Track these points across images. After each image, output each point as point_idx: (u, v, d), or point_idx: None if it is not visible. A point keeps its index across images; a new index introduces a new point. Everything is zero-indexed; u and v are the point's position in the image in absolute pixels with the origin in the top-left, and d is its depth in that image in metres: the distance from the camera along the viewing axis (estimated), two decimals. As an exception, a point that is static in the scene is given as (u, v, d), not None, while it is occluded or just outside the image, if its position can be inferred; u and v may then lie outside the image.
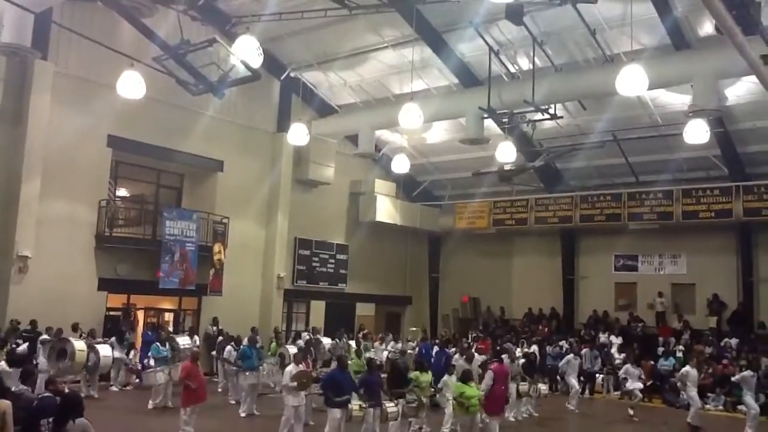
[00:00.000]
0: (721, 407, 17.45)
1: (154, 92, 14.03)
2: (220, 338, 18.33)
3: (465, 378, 11.68)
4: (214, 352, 18.22)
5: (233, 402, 15.12)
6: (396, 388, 11.84)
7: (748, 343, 19.79)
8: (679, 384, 14.90)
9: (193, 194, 21.28)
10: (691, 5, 15.14)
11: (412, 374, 12.71)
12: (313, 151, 22.52)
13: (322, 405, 11.54)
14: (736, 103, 18.20)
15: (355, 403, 10.89)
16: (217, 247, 20.34)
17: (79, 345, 13.98)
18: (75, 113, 17.24)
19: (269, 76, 21.10)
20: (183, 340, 16.13)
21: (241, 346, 15.40)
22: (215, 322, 19.78)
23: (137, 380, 16.77)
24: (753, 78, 15.17)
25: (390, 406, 11.28)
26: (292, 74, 21.94)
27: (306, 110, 22.43)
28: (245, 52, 11.37)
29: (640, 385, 16.62)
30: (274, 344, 17.68)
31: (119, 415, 13.31)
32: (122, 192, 20.49)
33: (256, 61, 11.59)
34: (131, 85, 12.65)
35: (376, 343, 20.52)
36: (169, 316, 20.96)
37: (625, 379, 16.86)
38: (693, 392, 14.81)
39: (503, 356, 15.59)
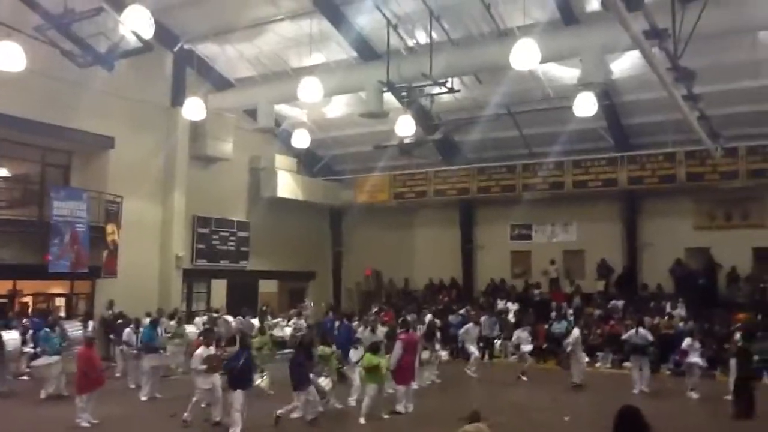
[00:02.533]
0: (609, 365, 18.60)
1: (36, 65, 13.10)
2: (119, 321, 17.67)
3: (374, 348, 11.87)
4: (112, 336, 17.54)
5: (133, 386, 14.68)
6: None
7: (632, 303, 21.09)
8: (569, 348, 15.74)
9: (82, 173, 20.22)
10: (578, -18, 15.72)
11: (318, 349, 12.77)
12: (210, 126, 21.88)
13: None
14: (621, 76, 19.14)
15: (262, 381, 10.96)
16: (110, 228, 19.50)
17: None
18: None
19: (162, 48, 20.24)
20: (72, 326, 15.46)
21: (142, 328, 14.92)
22: (111, 305, 19.05)
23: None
24: (636, 52, 16.01)
25: (323, 381, 11.45)
26: (185, 46, 21.17)
27: (202, 84, 21.72)
28: (135, 22, 10.83)
29: (530, 348, 17.40)
30: (175, 325, 17.26)
31: (8, 407, 12.65)
32: (3, 172, 19.21)
33: (148, 31, 11.08)
34: (9, 56, 11.77)
35: (278, 319, 20.44)
36: (60, 301, 19.99)
37: (518, 344, 17.61)
38: (580, 353, 15.73)
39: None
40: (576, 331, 15.96)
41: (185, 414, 11.25)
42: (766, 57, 17.45)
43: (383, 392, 11.87)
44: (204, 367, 11.25)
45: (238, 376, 10.68)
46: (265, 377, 12.66)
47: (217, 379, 11.34)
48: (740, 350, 13.33)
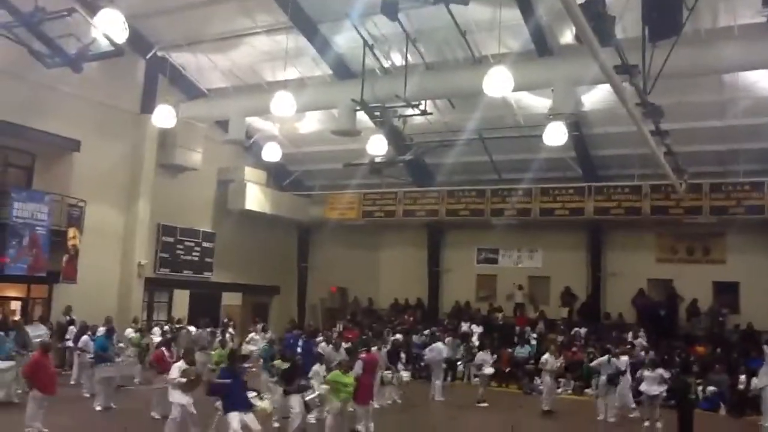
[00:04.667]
0: (570, 391, 18.69)
1: (2, 63, 12.88)
2: (71, 327, 17.26)
3: (342, 367, 11.79)
4: (69, 343, 17.09)
5: (87, 395, 14.32)
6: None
7: (595, 332, 21.31)
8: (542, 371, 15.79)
9: (45, 175, 19.79)
10: (554, 14, 15.96)
11: (275, 362, 12.66)
12: (179, 134, 21.68)
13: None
14: (591, 108, 19.46)
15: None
16: (71, 232, 19.12)
17: None
18: None
19: (134, 54, 20.06)
20: (36, 330, 15.06)
21: (97, 337, 14.60)
22: (68, 310, 18.59)
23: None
24: (607, 86, 16.29)
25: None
26: (159, 53, 20.97)
27: (173, 92, 21.49)
28: (108, 25, 10.71)
29: (492, 371, 17.37)
30: (137, 335, 16.94)
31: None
32: (-38, 170, 18.77)
33: (121, 36, 10.97)
34: (-25, 53, 11.59)
35: (252, 334, 20.20)
36: (16, 305, 19.47)
37: (481, 365, 17.61)
38: (548, 378, 15.76)
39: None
40: (551, 358, 15.94)
41: None
42: (731, 98, 17.92)
43: (346, 411, 11.74)
44: (183, 380, 10.56)
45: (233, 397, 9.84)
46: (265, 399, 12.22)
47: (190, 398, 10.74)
48: (678, 382, 13.54)
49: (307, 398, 11.35)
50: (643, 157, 17.51)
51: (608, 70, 9.01)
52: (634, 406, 15.25)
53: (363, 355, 12.68)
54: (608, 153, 21.50)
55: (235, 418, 9.55)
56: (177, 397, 10.69)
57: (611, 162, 21.90)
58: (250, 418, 9.74)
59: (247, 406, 9.92)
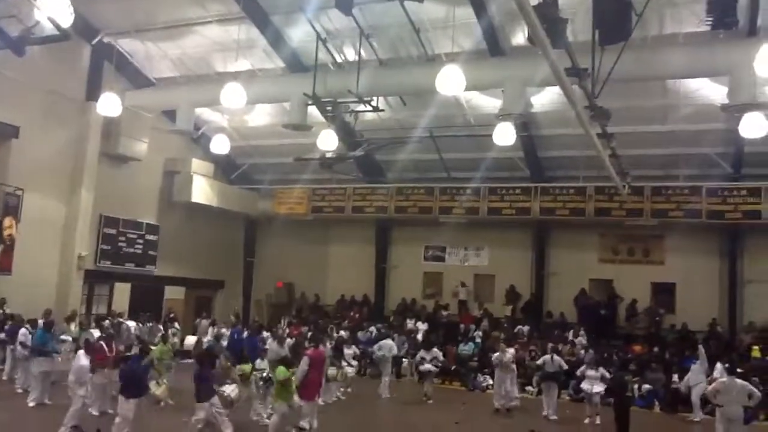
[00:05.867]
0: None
1: (-62, 43, 12.30)
2: (9, 322, 16.62)
3: (287, 363, 11.66)
4: (2, 336, 16.46)
5: (20, 390, 13.86)
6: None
7: (537, 330, 21.70)
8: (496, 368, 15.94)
9: (-19, 162, 19.08)
10: (507, 15, 16.17)
11: (238, 367, 12.47)
12: (125, 124, 21.10)
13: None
14: (540, 110, 19.77)
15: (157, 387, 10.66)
16: (8, 221, 18.45)
17: None
18: None
19: (79, 39, 19.44)
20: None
21: (36, 330, 14.10)
22: (2, 303, 17.91)
23: None
24: (556, 89, 16.57)
25: (229, 389, 11.09)
26: (105, 40, 20.36)
27: (119, 80, 20.82)
28: (53, 8, 10.34)
29: (429, 367, 17.43)
30: (76, 328, 16.45)
31: None
32: None
33: (66, 20, 10.59)
34: None
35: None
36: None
37: (422, 361, 17.68)
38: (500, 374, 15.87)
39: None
40: (498, 354, 16.03)
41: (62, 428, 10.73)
42: (675, 103, 18.47)
43: (293, 408, 11.64)
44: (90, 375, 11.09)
45: (131, 383, 10.29)
46: (163, 386, 12.17)
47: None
48: (616, 380, 13.95)
49: (222, 392, 11.26)
50: (589, 159, 17.88)
51: (559, 72, 9.14)
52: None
53: (309, 351, 12.59)
54: (555, 154, 21.90)
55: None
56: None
57: (558, 163, 22.33)
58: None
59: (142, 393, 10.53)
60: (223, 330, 19.35)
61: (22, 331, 14.74)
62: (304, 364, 11.91)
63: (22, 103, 18.71)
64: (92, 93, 20.34)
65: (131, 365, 10.70)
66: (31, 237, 19.03)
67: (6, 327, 16.17)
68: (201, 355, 11.60)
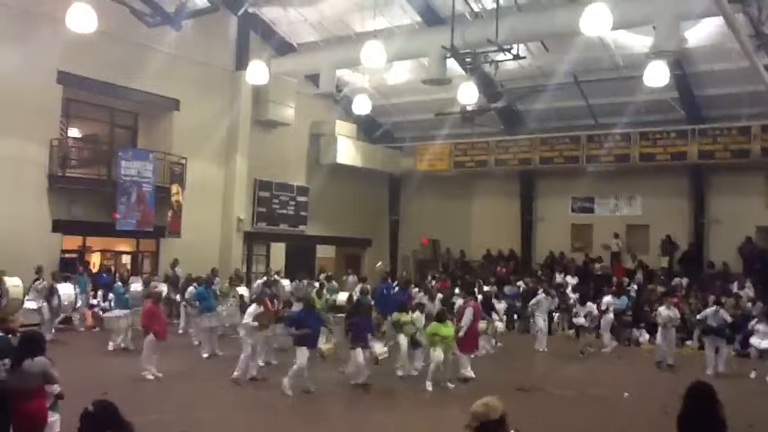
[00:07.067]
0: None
1: (104, 25, 13.33)
2: (183, 280, 18.07)
3: (441, 317, 11.85)
4: (176, 295, 17.93)
5: (196, 343, 15.06)
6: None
7: (697, 282, 20.45)
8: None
9: (148, 134, 20.72)
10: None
11: (394, 316, 12.79)
12: (272, 90, 22.03)
13: (283, 345, 11.68)
14: (695, 45, 18.31)
15: (325, 343, 11.12)
16: (174, 188, 19.97)
17: (13, 281, 13.84)
18: (19, 48, 16.21)
19: (226, 11, 20.39)
20: (135, 286, 15.89)
21: (195, 288, 15.21)
22: (175, 263, 19.48)
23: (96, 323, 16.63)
24: (713, 20, 15.30)
25: (378, 347, 11.47)
26: (250, 10, 21.20)
27: (265, 48, 21.74)
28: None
29: (584, 322, 16.99)
30: (226, 285, 17.56)
31: (79, 356, 13.17)
32: (74, 131, 19.80)
33: (215, -9, 11.13)
34: (82, 17, 12.01)
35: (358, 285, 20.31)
36: (126, 259, 20.65)
37: (576, 314, 17.29)
38: (662, 331, 15.14)
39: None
40: (662, 309, 15.32)
41: (235, 373, 11.47)
42: None
43: (447, 361, 11.84)
44: (255, 323, 11.55)
45: (306, 334, 10.82)
46: (332, 343, 12.58)
47: (262, 336, 11.77)
48: None
49: (374, 348, 11.56)
50: (754, 96, 16.45)
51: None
52: None
53: (472, 303, 12.69)
54: (714, 92, 20.23)
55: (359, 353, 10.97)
56: (248, 336, 11.65)
57: (717, 102, 20.63)
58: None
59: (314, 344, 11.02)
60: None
61: (190, 289, 15.97)
62: (468, 315, 12.05)
63: (179, 77, 20.02)
64: (241, 62, 21.41)
65: (299, 316, 11.30)
66: (195, 202, 20.52)
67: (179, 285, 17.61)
68: (356, 306, 12.00)
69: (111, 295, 15.79)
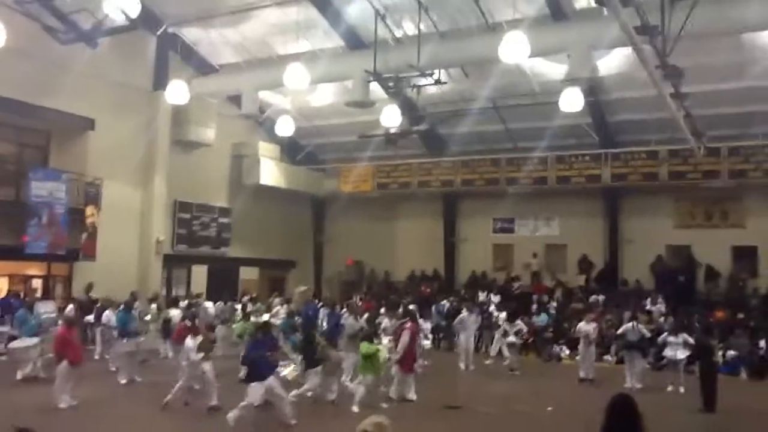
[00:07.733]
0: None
1: (15, 41, 12.80)
2: (98, 305, 17.40)
3: (369, 337, 11.87)
4: (91, 318, 17.24)
5: (114, 369, 14.49)
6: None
7: (613, 299, 21.26)
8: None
9: (61, 154, 19.89)
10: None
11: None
12: (192, 111, 21.66)
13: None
14: (607, 74, 19.14)
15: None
16: (89, 210, 19.26)
17: None
18: None
19: (145, 30, 19.88)
20: (45, 308, 15.21)
21: (118, 312, 14.71)
22: (90, 287, 18.73)
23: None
24: (623, 50, 16.08)
25: (287, 370, 11.34)
26: (169, 30, 20.85)
27: (185, 68, 21.32)
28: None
29: (513, 339, 17.40)
30: (155, 310, 17.11)
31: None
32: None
33: (134, 10, 10.89)
34: (-10, 32, 11.51)
35: (278, 307, 20.00)
36: (37, 283, 19.70)
37: (506, 333, 17.62)
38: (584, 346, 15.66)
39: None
40: (582, 325, 15.82)
41: (168, 396, 11.13)
42: (751, 59, 17.59)
43: (379, 381, 11.84)
44: (201, 355, 11.21)
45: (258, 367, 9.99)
46: (293, 368, 12.22)
47: (208, 364, 11.34)
48: (700, 345, 13.52)
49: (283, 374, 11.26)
50: (661, 122, 17.30)
51: (629, 31, 8.85)
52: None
53: (409, 325, 12.77)
54: (625, 118, 21.26)
55: (258, 388, 9.76)
56: (193, 369, 11.28)
57: (628, 127, 21.65)
58: (276, 382, 10.02)
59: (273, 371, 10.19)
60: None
61: (106, 313, 15.43)
62: (405, 337, 12.14)
63: (95, 96, 19.37)
64: (160, 82, 20.93)
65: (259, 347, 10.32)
66: (112, 224, 19.83)
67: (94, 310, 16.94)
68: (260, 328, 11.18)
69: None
